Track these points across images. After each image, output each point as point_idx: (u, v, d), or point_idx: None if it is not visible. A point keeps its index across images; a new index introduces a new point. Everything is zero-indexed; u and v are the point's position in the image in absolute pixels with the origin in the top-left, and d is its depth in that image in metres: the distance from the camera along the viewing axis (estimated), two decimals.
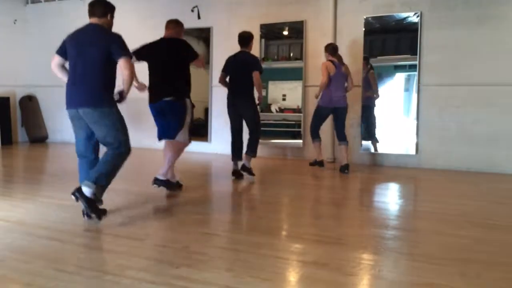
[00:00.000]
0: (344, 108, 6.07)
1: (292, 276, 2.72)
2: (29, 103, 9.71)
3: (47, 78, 9.55)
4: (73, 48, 3.60)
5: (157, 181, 4.58)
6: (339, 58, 6.15)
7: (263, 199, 4.86)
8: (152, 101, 4.64)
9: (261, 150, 7.52)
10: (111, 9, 3.71)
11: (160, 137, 4.77)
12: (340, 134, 6.10)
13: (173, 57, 4.57)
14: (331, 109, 6.09)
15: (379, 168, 6.46)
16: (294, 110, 7.39)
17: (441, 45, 6.31)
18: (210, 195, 4.74)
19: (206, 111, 8.03)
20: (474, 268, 2.77)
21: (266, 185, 5.72)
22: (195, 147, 8.00)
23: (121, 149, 3.57)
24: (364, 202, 4.86)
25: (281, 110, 7.52)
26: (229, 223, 3.90)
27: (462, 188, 5.42)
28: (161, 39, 4.76)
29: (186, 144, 4.69)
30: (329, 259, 2.92)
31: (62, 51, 3.71)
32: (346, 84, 6.18)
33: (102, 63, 3.50)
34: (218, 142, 7.89)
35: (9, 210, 4.07)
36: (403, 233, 3.58)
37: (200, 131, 8.00)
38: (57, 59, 3.72)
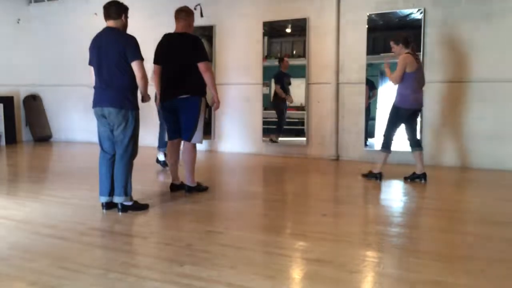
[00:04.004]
0: (421, 110, 5.35)
1: (296, 274, 2.72)
2: (33, 102, 9.74)
3: (51, 78, 9.65)
4: (94, 54, 3.85)
5: (189, 189, 4.62)
6: (413, 50, 5.16)
7: (267, 196, 4.86)
8: (166, 99, 4.51)
9: (265, 148, 7.55)
10: (125, 10, 3.88)
11: (171, 138, 4.67)
12: (415, 139, 5.30)
13: (187, 54, 4.41)
14: (412, 112, 5.16)
15: (383, 165, 6.43)
16: (298, 108, 7.38)
17: (444, 42, 6.28)
18: (214, 193, 4.74)
19: (210, 109, 8.03)
20: (479, 265, 2.76)
21: (269, 183, 5.72)
22: (198, 145, 8.02)
23: (128, 152, 3.88)
24: (368, 199, 4.84)
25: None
26: (233, 221, 3.90)
27: (466, 185, 5.40)
28: (173, 34, 4.58)
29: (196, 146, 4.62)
30: (333, 256, 2.91)
31: (90, 60, 3.95)
32: None
33: (122, 65, 3.75)
34: (222, 140, 7.90)
35: (13, 209, 4.08)
36: (407, 230, 3.57)
37: (204, 129, 7.99)
38: (92, 71, 3.94)
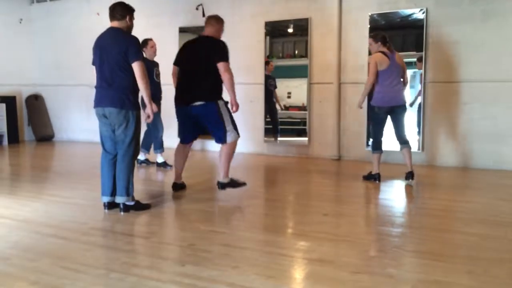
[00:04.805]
0: (402, 107, 5.14)
1: (298, 274, 2.72)
2: (35, 102, 9.75)
3: (53, 77, 9.67)
4: (97, 53, 3.86)
5: (222, 185, 4.52)
6: (389, 48, 5.12)
7: (268, 196, 4.86)
8: (180, 104, 4.43)
9: (266, 148, 7.55)
10: (130, 11, 3.91)
11: (183, 141, 4.62)
12: (401, 136, 5.18)
13: (203, 57, 4.34)
14: (387, 109, 5.09)
15: (384, 165, 6.41)
16: (300, 108, 7.38)
17: (446, 42, 6.27)
18: (215, 193, 4.74)
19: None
20: (481, 265, 2.75)
21: (271, 183, 5.72)
22: (199, 145, 8.02)
23: (130, 152, 3.87)
24: (369, 199, 4.84)
25: (286, 108, 7.51)
26: (234, 221, 3.90)
27: (468, 185, 5.39)
28: (196, 38, 4.60)
29: (237, 140, 4.50)
30: (334, 256, 2.91)
31: (93, 60, 3.96)
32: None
33: (124, 65, 3.76)
34: None
35: (15, 209, 4.09)
36: (409, 230, 3.56)
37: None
38: (94, 71, 3.96)
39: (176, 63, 4.56)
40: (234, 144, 4.47)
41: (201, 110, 4.32)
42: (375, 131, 5.28)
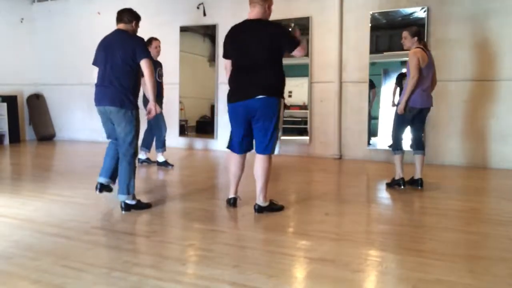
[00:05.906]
0: (429, 109, 4.83)
1: (299, 273, 2.72)
2: (37, 101, 9.76)
3: (54, 77, 9.68)
4: (101, 52, 3.94)
5: (260, 209, 3.90)
6: (425, 45, 4.79)
7: (269, 195, 4.84)
8: (237, 99, 3.73)
9: None
10: (137, 18, 4.08)
11: (241, 151, 3.95)
12: (418, 141, 4.90)
13: (265, 44, 3.64)
14: (417, 111, 4.70)
15: (385, 164, 6.42)
16: (300, 107, 7.38)
17: (448, 40, 6.26)
18: (216, 192, 4.74)
19: (212, 108, 8.04)
20: (482, 264, 2.75)
21: (272, 182, 5.71)
22: (201, 144, 8.03)
23: (131, 151, 3.91)
24: (370, 198, 4.84)
25: (287, 107, 7.51)
26: (236, 220, 3.90)
27: (469, 184, 5.38)
28: (244, 22, 3.83)
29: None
30: (335, 255, 2.91)
31: (94, 60, 4.02)
32: None
33: (128, 65, 3.84)
34: (224, 140, 7.89)
35: (17, 208, 4.09)
36: (410, 229, 3.56)
37: (207, 128, 8.02)
38: (94, 71, 4.00)
39: (227, 56, 3.93)
40: (271, 160, 3.88)
41: (260, 105, 3.63)
42: (397, 132, 4.86)
